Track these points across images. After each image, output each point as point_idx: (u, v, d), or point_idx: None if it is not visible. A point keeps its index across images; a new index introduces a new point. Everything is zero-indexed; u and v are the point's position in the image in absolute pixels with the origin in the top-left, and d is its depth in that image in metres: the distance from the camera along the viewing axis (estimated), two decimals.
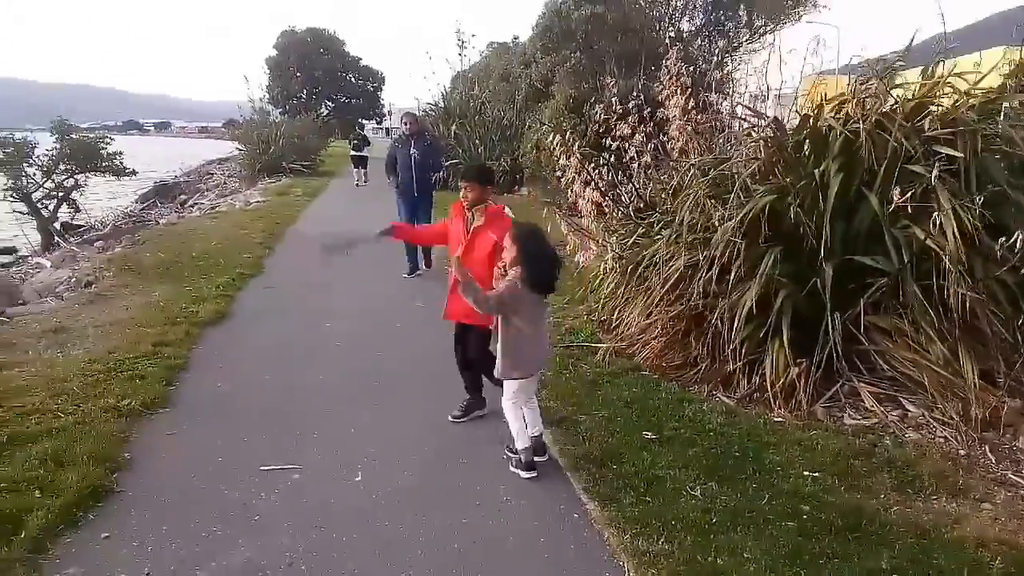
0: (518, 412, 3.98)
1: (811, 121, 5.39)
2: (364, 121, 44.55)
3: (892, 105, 5.20)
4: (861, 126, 4.88)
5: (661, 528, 3.34)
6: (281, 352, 6.07)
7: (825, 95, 5.62)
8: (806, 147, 5.42)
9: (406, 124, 9.51)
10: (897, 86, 5.45)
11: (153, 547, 3.28)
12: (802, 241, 5.02)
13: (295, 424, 4.60)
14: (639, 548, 3.19)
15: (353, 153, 23.12)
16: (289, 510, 3.60)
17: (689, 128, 7.08)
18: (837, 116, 5.26)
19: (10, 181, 14.69)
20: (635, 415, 4.68)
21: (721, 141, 6.86)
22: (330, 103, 60.64)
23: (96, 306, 7.56)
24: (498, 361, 3.82)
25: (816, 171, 5.04)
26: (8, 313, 7.87)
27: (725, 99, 8.35)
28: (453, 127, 21.35)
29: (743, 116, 6.90)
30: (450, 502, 3.68)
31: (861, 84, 5.35)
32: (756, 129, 6.21)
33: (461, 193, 4.42)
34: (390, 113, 66.65)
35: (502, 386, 4.02)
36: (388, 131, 60.56)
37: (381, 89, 65.39)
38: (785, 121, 5.82)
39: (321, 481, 3.90)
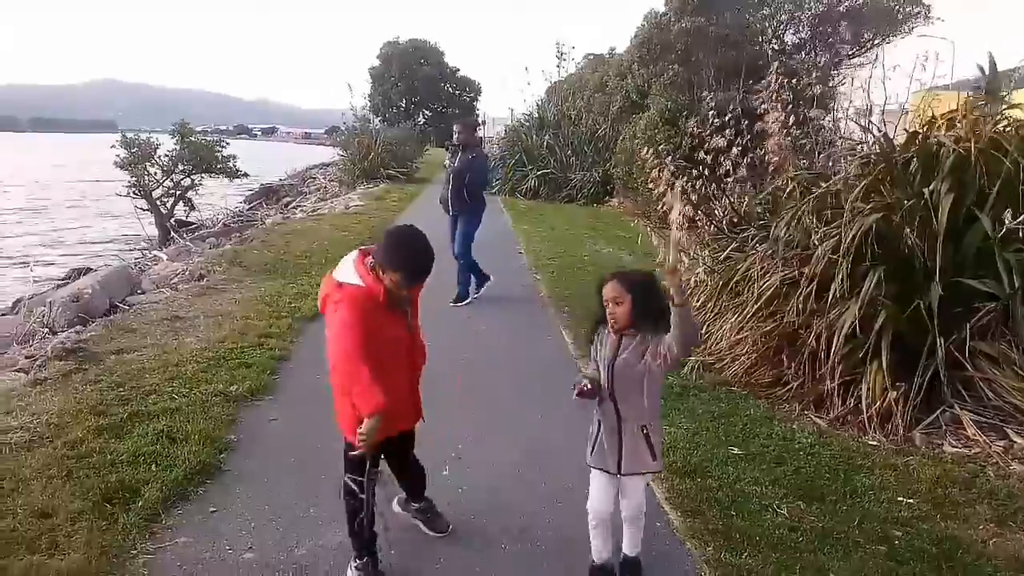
0: None
1: (920, 138, 5.22)
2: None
3: (1006, 125, 4.98)
4: (973, 145, 4.69)
5: (745, 543, 3.32)
6: None
7: (935, 112, 5.43)
8: (914, 165, 5.25)
9: (458, 132, 8.23)
10: (1014, 106, 5.21)
11: (256, 523, 3.51)
12: (907, 261, 4.87)
13: None
14: (722, 561, 3.19)
15: (448, 159, 24.96)
16: (382, 496, 3.76)
17: (788, 143, 6.96)
18: (948, 133, 5.07)
19: (134, 178, 15.77)
20: (721, 430, 4.65)
21: (822, 158, 6.71)
22: (427, 112, 62.13)
23: (207, 298, 8.07)
24: (658, 440, 2.84)
25: (925, 190, 4.88)
26: (129, 301, 8.51)
27: (827, 114, 8.15)
28: (546, 137, 21.53)
29: (849, 132, 6.72)
30: (533, 500, 3.76)
31: (974, 102, 5.15)
32: (862, 145, 6.05)
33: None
34: (484, 123, 67.72)
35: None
36: (482, 141, 61.44)
37: (477, 99, 66.56)
38: (894, 138, 5.65)
39: None
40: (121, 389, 5.03)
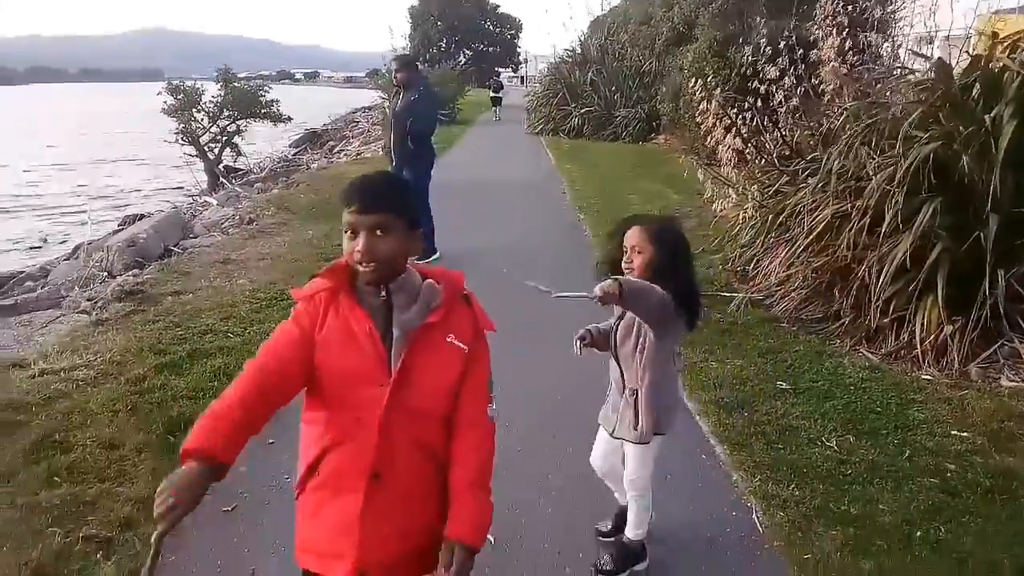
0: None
1: (983, 62, 4.94)
2: (500, 70, 45.17)
3: None
4: None
5: (792, 475, 3.32)
6: None
7: (998, 34, 5.12)
8: (975, 90, 4.99)
9: (395, 71, 7.30)
10: None
11: None
12: (965, 191, 4.67)
13: None
14: (768, 492, 3.20)
15: (491, 95, 31.38)
16: None
17: (844, 71, 6.67)
18: (1012, 56, 4.79)
19: (181, 125, 16.01)
20: (770, 365, 4.60)
21: (879, 86, 6.42)
22: (468, 51, 61.23)
23: (257, 241, 8.23)
24: (646, 411, 2.54)
25: (986, 117, 4.64)
26: (183, 245, 8.74)
27: (887, 40, 7.77)
28: (589, 74, 21.04)
29: (909, 59, 6.41)
30: (581, 439, 3.79)
31: None
32: (919, 72, 5.77)
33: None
34: (526, 61, 66.53)
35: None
36: (523, 79, 60.52)
37: (518, 37, 65.34)
38: (954, 64, 5.37)
39: None
40: (179, 329, 5.20)
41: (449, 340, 1.64)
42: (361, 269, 1.58)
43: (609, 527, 2.94)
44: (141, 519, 2.99)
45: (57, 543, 2.79)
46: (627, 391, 2.57)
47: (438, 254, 7.11)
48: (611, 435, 2.67)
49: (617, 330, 2.58)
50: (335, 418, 1.61)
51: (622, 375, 2.59)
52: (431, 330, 1.62)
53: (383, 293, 1.63)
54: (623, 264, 2.48)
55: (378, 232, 1.56)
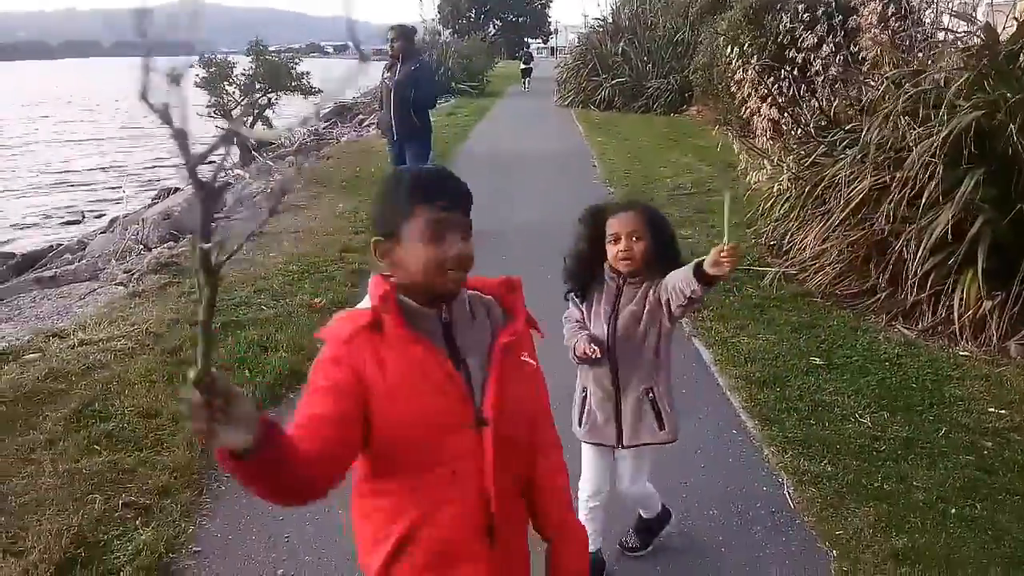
0: None
1: None
2: (529, 40, 44.92)
3: None
4: None
5: (824, 451, 3.29)
6: None
7: None
8: (1022, 58, 4.81)
9: (391, 40, 6.90)
10: None
11: None
12: (1009, 163, 4.53)
13: None
14: (800, 467, 3.17)
15: (522, 66, 32.37)
16: None
17: (885, 38, 6.46)
18: None
19: (213, 98, 16.12)
20: (803, 341, 4.54)
21: (921, 55, 6.22)
22: (497, 22, 60.59)
23: (289, 214, 8.29)
24: (668, 406, 2.36)
25: None
26: (216, 218, 8.84)
27: (930, 6, 7.50)
28: (620, 44, 20.70)
29: (954, 26, 6.18)
30: None
31: None
32: (965, 36, 5.57)
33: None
34: (556, 32, 65.68)
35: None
36: (554, 51, 59.79)
37: (548, 6, 64.35)
38: (1000, 31, 5.18)
39: None
40: None
41: (524, 359, 1.40)
42: (449, 277, 1.30)
43: (634, 540, 2.72)
44: (178, 487, 3.07)
45: (98, 510, 2.87)
46: (640, 391, 2.32)
47: None
48: (623, 446, 2.37)
49: (616, 327, 2.30)
50: (419, 480, 1.30)
51: (615, 378, 2.33)
52: (507, 351, 1.35)
53: (445, 314, 1.34)
54: (619, 254, 2.22)
55: (462, 236, 1.31)
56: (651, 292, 2.26)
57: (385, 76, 6.86)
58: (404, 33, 6.97)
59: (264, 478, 1.09)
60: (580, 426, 2.42)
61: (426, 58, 7.36)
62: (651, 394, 2.32)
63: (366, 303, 1.35)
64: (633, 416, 2.33)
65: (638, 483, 2.49)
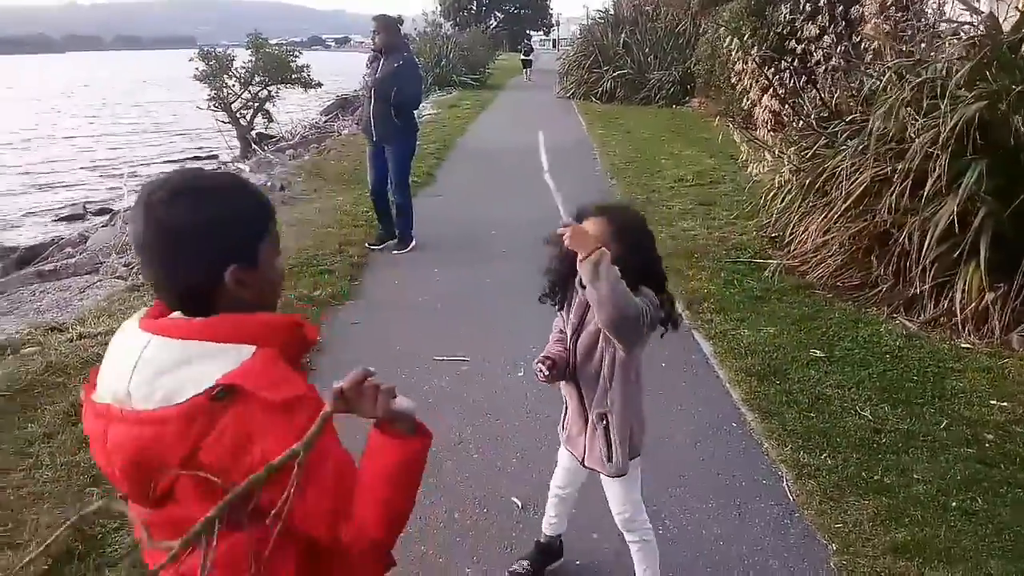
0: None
1: None
2: (531, 32, 44.98)
3: None
4: None
5: (825, 444, 3.27)
6: (451, 253, 6.38)
7: None
8: None
9: (375, 32, 6.35)
10: None
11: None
12: (1012, 154, 4.49)
13: (463, 320, 4.88)
14: (800, 460, 3.16)
15: (522, 58, 32.67)
16: (458, 396, 3.87)
17: (886, 28, 6.42)
18: None
19: (213, 92, 16.10)
20: (803, 333, 4.52)
21: (923, 46, 6.18)
22: (498, 14, 60.39)
23: (288, 207, 8.28)
24: (619, 439, 2.13)
25: None
26: None
27: None
28: (622, 36, 20.63)
29: (956, 16, 6.14)
30: None
31: None
32: (967, 27, 5.53)
33: None
34: (558, 24, 65.40)
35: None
36: (555, 43, 59.59)
37: None
38: (1002, 20, 5.14)
39: (487, 373, 4.14)
40: None
41: None
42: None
43: (526, 567, 2.49)
44: None
45: (96, 502, 2.86)
46: (593, 416, 2.14)
47: (414, 242, 6.52)
48: (582, 464, 2.25)
49: (577, 348, 2.15)
50: None
51: (581, 398, 2.18)
52: None
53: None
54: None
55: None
56: None
57: (366, 71, 6.34)
58: (387, 25, 6.34)
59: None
60: (562, 429, 2.35)
61: (412, 53, 6.76)
62: (604, 420, 2.13)
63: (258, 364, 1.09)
64: (590, 439, 2.18)
65: (628, 518, 2.26)
